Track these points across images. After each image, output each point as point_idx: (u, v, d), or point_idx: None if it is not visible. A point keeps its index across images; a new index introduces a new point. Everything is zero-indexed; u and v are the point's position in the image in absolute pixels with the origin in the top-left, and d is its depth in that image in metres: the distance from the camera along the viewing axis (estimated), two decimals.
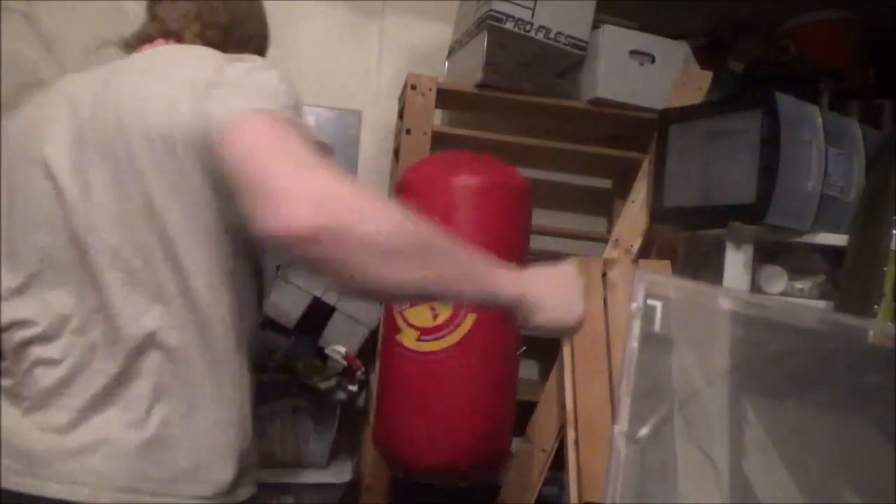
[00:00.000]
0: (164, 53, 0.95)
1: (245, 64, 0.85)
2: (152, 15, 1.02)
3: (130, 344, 0.81)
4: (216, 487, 0.84)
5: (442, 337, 1.47)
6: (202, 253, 0.83)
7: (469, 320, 1.46)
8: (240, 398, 0.88)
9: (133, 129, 0.82)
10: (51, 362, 0.82)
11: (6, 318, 0.85)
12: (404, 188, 1.59)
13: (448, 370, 1.48)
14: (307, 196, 0.69)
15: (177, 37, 0.99)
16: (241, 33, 1.04)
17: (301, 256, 0.70)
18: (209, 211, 0.83)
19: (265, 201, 0.69)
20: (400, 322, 1.53)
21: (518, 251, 1.54)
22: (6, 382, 0.85)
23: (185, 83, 0.82)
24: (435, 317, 1.47)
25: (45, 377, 0.82)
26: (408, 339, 1.51)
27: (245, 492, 0.88)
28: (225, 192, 0.79)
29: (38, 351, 0.83)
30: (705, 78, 1.95)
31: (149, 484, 0.80)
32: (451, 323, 1.46)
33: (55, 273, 0.85)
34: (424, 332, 1.48)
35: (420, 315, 1.48)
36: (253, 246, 0.89)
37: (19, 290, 0.86)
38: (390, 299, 1.43)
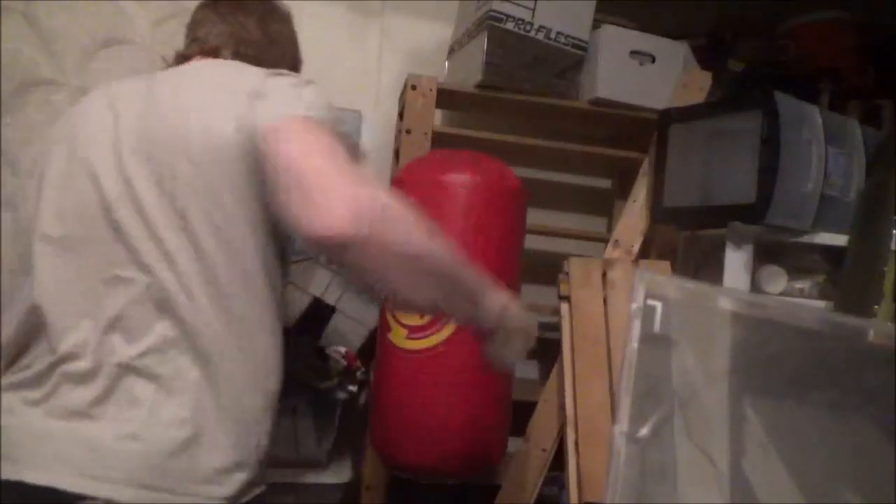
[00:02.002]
0: (206, 66, 0.98)
1: (288, 77, 0.90)
2: (192, 37, 1.06)
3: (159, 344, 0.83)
4: (238, 486, 0.85)
5: (429, 335, 1.47)
6: (243, 256, 0.86)
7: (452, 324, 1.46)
8: (272, 402, 0.91)
9: (178, 138, 0.84)
10: (78, 369, 0.83)
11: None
12: (399, 186, 1.59)
13: (435, 368, 1.48)
14: (348, 205, 0.73)
15: (214, 54, 1.02)
16: (275, 53, 1.07)
17: (334, 257, 0.77)
18: (248, 221, 0.86)
19: (308, 205, 0.74)
20: (391, 320, 1.53)
21: (510, 250, 1.54)
22: (33, 394, 0.84)
23: (230, 93, 0.86)
24: (422, 315, 1.47)
25: (75, 392, 0.83)
26: (397, 337, 1.51)
27: (257, 490, 0.89)
28: (266, 200, 0.83)
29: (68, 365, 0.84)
30: (706, 78, 1.95)
31: (179, 483, 0.81)
32: (438, 321, 1.46)
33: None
34: (412, 331, 1.48)
35: (409, 320, 1.48)
36: (286, 249, 0.93)
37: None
38: (398, 307, 1.47)
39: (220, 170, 0.84)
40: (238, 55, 1.02)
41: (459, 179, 1.49)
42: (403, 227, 0.78)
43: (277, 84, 0.88)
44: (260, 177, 0.83)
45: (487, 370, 1.50)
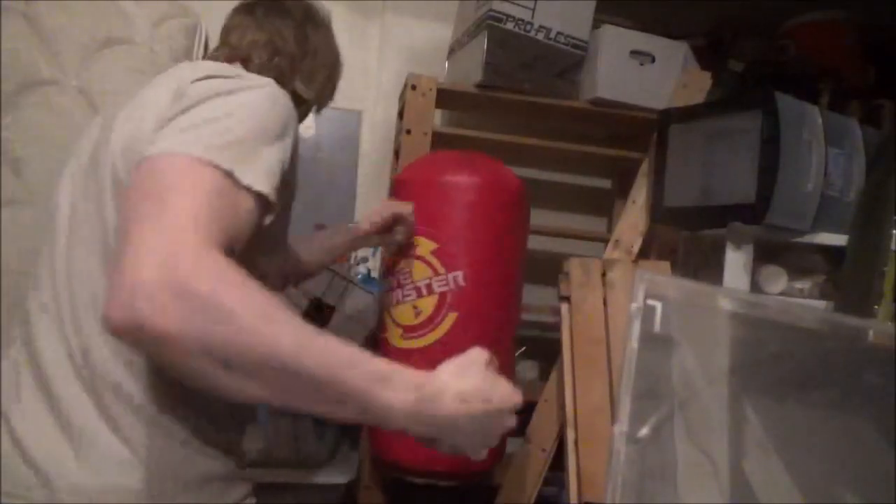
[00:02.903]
0: (185, 69, 0.87)
1: (211, 84, 0.75)
2: (223, 41, 1.02)
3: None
4: None
5: (423, 335, 1.47)
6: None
7: (449, 319, 1.46)
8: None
9: (106, 149, 0.79)
10: None
11: None
12: (399, 187, 1.59)
13: (429, 367, 1.47)
14: (126, 292, 0.57)
15: (244, 61, 0.97)
16: (311, 63, 1.03)
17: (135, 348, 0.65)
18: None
19: (112, 278, 0.59)
20: (387, 320, 1.53)
21: (512, 250, 1.54)
22: None
23: (149, 108, 0.76)
24: (417, 314, 1.47)
25: None
26: (393, 337, 1.52)
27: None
28: None
29: None
30: (706, 79, 1.95)
31: None
32: (432, 322, 1.46)
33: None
34: (407, 330, 1.48)
35: (404, 314, 1.49)
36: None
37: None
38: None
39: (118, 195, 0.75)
40: (272, 65, 0.98)
41: (459, 180, 1.49)
42: (213, 319, 0.57)
43: (193, 96, 0.73)
44: None
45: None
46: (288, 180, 0.79)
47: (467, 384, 0.69)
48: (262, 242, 0.80)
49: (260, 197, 0.69)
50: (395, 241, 1.46)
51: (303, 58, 1.02)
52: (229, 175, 0.66)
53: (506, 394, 0.71)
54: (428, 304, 1.46)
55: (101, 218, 0.77)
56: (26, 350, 0.81)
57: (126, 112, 0.79)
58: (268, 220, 0.75)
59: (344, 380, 0.61)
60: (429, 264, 1.47)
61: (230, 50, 0.99)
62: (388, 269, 1.56)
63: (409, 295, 1.48)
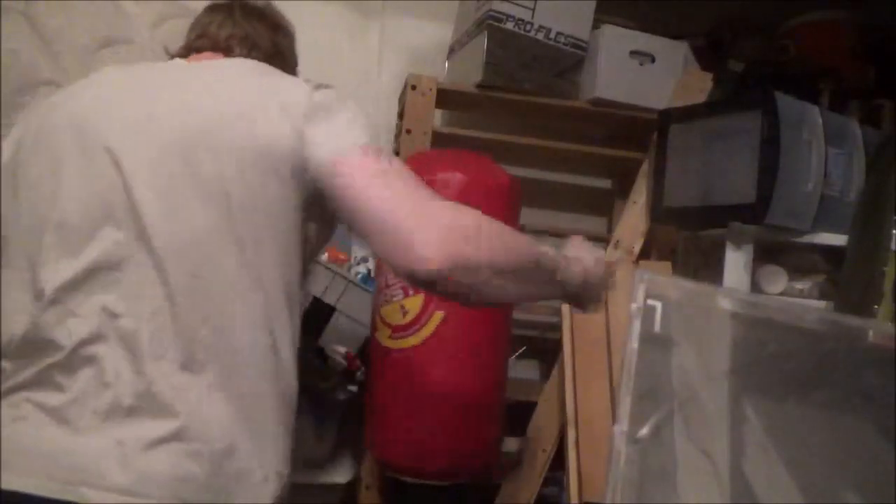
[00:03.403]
0: (236, 65, 0.97)
1: (329, 91, 0.91)
2: (201, 33, 1.05)
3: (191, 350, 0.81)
4: None
5: (410, 335, 1.47)
6: (277, 267, 0.86)
7: (436, 318, 1.46)
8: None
9: (224, 141, 0.83)
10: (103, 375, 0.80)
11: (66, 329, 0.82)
12: None
13: (416, 367, 1.48)
14: (437, 238, 0.78)
15: (226, 52, 1.02)
16: (281, 64, 1.06)
17: (439, 289, 0.80)
18: (287, 229, 0.87)
19: (400, 246, 0.79)
20: (378, 320, 1.53)
21: None
22: (55, 400, 0.81)
23: (280, 105, 0.86)
24: (404, 314, 1.48)
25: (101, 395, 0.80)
26: (383, 336, 1.52)
27: None
28: (308, 211, 0.87)
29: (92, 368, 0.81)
30: (706, 79, 1.95)
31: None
32: (418, 321, 1.46)
33: (112, 273, 0.82)
34: (395, 330, 1.49)
35: (392, 313, 1.49)
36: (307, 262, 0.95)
37: (74, 286, 0.82)
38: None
39: (262, 181, 0.84)
40: (248, 58, 1.01)
41: (442, 177, 1.49)
42: (495, 242, 0.83)
43: (327, 103, 0.89)
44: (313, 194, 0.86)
45: (474, 367, 1.51)
46: None
47: (594, 253, 1.04)
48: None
49: None
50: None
51: (274, 57, 1.06)
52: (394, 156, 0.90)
53: (601, 253, 1.08)
54: (414, 304, 1.46)
55: (264, 199, 0.85)
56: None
57: (216, 119, 0.85)
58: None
59: (553, 266, 0.93)
60: None
61: (209, 40, 1.03)
62: (378, 270, 1.56)
63: (396, 294, 1.48)
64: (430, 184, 1.49)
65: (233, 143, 0.83)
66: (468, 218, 0.83)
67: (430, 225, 0.80)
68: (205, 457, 0.79)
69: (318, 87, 0.91)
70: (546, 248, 0.93)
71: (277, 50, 1.09)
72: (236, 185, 0.83)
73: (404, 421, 1.49)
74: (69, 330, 0.81)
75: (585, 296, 1.02)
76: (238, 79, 0.92)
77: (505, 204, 1.55)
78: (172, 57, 1.03)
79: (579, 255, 0.99)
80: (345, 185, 0.84)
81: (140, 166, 0.83)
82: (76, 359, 0.80)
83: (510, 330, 1.60)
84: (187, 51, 1.03)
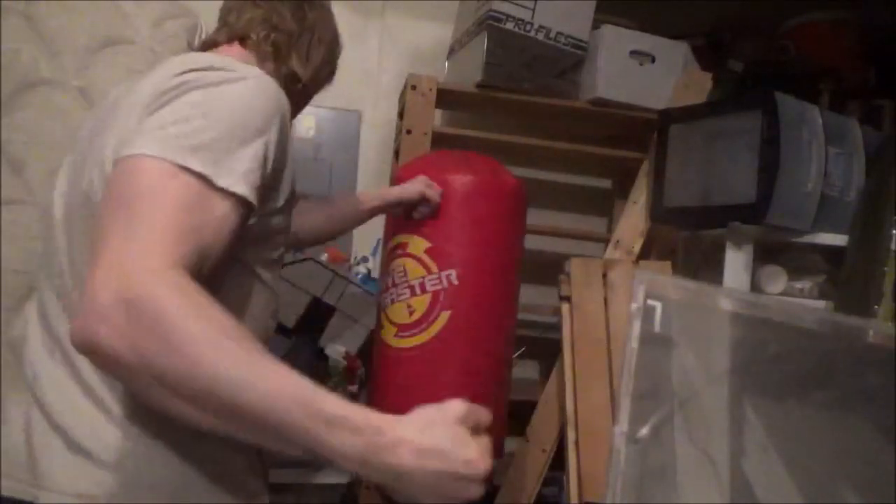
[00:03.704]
0: (180, 57, 0.86)
1: (191, 78, 0.72)
2: (222, 23, 1.02)
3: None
4: None
5: (417, 333, 1.47)
6: None
7: (442, 318, 1.46)
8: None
9: (98, 148, 0.77)
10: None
11: None
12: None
13: (423, 366, 1.48)
14: (99, 311, 0.57)
15: (241, 41, 0.97)
16: (308, 39, 1.02)
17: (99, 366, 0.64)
18: None
19: (80, 301, 0.61)
20: (383, 319, 1.53)
21: (506, 249, 1.54)
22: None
23: (135, 105, 0.73)
24: (411, 313, 1.47)
25: None
26: (388, 335, 1.51)
27: None
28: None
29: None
30: (706, 79, 1.95)
31: None
32: (425, 320, 1.46)
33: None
34: (401, 329, 1.48)
35: (398, 312, 1.49)
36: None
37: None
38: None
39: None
40: (270, 41, 0.97)
41: (452, 178, 1.49)
42: (182, 346, 0.56)
43: (167, 94, 0.71)
44: None
45: (479, 367, 1.51)
46: (279, 174, 0.76)
47: (428, 440, 0.61)
48: (272, 241, 0.81)
49: (238, 199, 0.68)
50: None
51: (300, 34, 1.01)
52: (203, 178, 0.65)
53: (471, 459, 0.62)
54: (421, 303, 1.46)
55: (93, 219, 0.74)
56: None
57: (120, 109, 0.77)
58: (276, 220, 0.77)
59: (284, 419, 0.57)
60: (422, 263, 1.47)
61: (228, 29, 1.00)
62: (384, 269, 1.56)
63: (402, 294, 1.48)
64: (440, 185, 1.52)
65: (100, 152, 0.75)
66: (150, 305, 0.57)
67: (95, 292, 0.57)
68: None
69: (186, 71, 0.73)
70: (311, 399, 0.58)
71: (302, 27, 1.01)
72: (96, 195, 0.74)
73: None
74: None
75: (397, 494, 0.62)
76: (148, 79, 0.78)
77: (511, 206, 1.55)
78: (204, 49, 1.00)
79: (401, 437, 0.60)
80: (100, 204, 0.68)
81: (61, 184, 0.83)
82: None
83: (515, 331, 1.60)
84: (207, 45, 1.00)
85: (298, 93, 1.01)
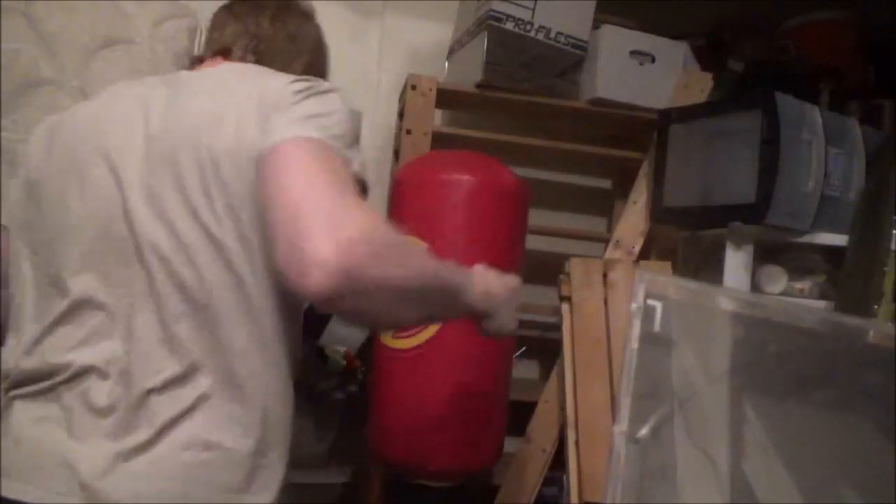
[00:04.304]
0: (224, 70, 0.95)
1: (308, 86, 0.84)
2: (207, 39, 1.05)
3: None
4: None
5: (415, 333, 1.48)
6: (264, 286, 0.83)
7: None
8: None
9: (202, 149, 0.81)
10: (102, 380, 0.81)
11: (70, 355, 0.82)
12: (398, 186, 1.59)
13: (421, 366, 1.48)
14: (335, 249, 0.68)
15: (225, 54, 1.00)
16: (292, 51, 1.04)
17: (325, 307, 0.73)
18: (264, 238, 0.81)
19: (297, 255, 0.69)
20: None
21: (506, 249, 1.54)
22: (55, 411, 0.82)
23: (255, 103, 0.82)
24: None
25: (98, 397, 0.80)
26: (387, 336, 1.52)
27: None
28: None
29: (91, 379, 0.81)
30: (706, 79, 1.95)
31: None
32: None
33: (106, 275, 0.83)
34: (398, 329, 1.49)
35: None
36: None
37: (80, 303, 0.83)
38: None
39: (243, 186, 0.80)
40: (252, 52, 1.00)
41: (451, 178, 1.49)
42: (395, 262, 0.74)
43: (295, 95, 0.83)
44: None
45: (478, 367, 1.51)
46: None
47: (494, 277, 0.95)
48: None
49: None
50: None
51: (280, 42, 1.03)
52: (346, 162, 0.80)
53: (512, 278, 0.98)
54: None
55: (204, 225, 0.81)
56: None
57: (199, 126, 0.82)
58: None
59: (457, 282, 0.87)
60: None
61: (212, 44, 1.02)
62: None
63: None
64: (440, 185, 1.52)
65: (210, 148, 0.81)
66: (380, 233, 0.74)
67: (334, 231, 0.68)
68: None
69: (300, 80, 0.86)
70: (451, 269, 0.87)
71: (286, 35, 1.04)
72: (219, 190, 0.80)
73: (407, 420, 1.50)
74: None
75: (493, 320, 0.95)
76: (215, 83, 0.89)
77: (514, 206, 1.55)
78: (192, 65, 1.02)
79: (486, 281, 0.94)
80: (266, 174, 0.76)
81: (133, 183, 0.84)
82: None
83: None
84: (194, 62, 1.02)
85: None
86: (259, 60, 1.00)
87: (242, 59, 0.99)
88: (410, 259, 0.78)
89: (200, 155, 0.81)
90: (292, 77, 0.86)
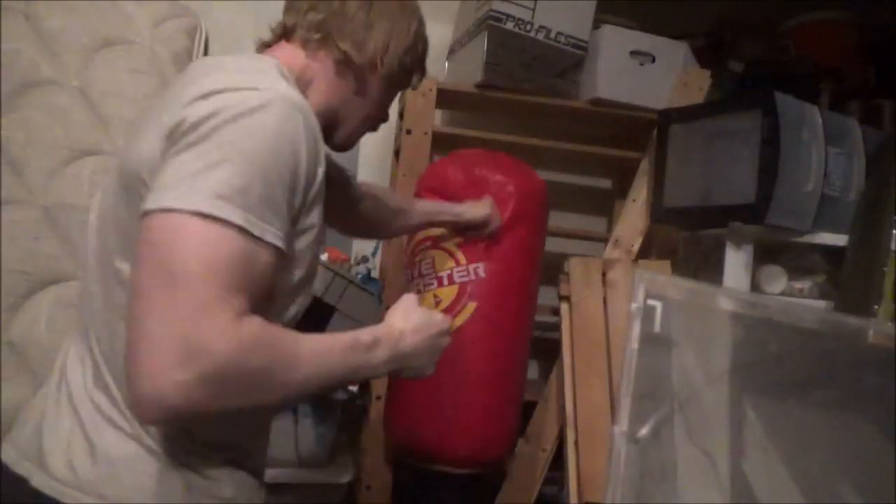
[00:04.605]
0: (196, 67, 0.82)
1: (206, 108, 0.67)
2: (287, 8, 0.94)
3: None
4: None
5: None
6: None
7: (469, 309, 1.48)
8: None
9: (124, 163, 0.77)
10: None
11: None
12: (432, 178, 1.59)
13: (445, 355, 1.48)
14: (168, 401, 0.60)
15: (287, 36, 0.90)
16: (364, 18, 0.90)
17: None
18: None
19: (131, 381, 0.62)
20: None
21: (533, 248, 1.57)
22: None
23: (161, 123, 0.71)
24: (437, 303, 1.50)
25: None
26: None
27: None
28: None
29: None
30: (704, 77, 1.95)
31: None
32: (451, 310, 1.48)
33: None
34: None
35: (424, 302, 1.50)
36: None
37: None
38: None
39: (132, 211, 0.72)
40: (315, 28, 0.88)
41: (497, 178, 1.51)
42: (261, 387, 0.66)
43: (191, 131, 0.67)
44: None
45: (502, 358, 1.51)
46: (314, 199, 0.76)
47: (415, 320, 0.86)
48: (302, 271, 0.79)
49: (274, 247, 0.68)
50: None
51: (349, 13, 0.90)
52: (242, 230, 0.64)
53: (438, 318, 0.90)
54: (448, 294, 1.49)
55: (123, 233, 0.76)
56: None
57: (150, 117, 0.77)
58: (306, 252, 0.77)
59: (353, 369, 0.76)
60: (451, 255, 1.49)
61: (278, 31, 0.93)
62: (410, 261, 1.58)
63: (430, 284, 1.51)
64: (478, 183, 1.51)
65: (127, 162, 0.75)
66: (244, 359, 0.63)
67: (180, 368, 0.59)
68: None
69: (207, 96, 0.69)
70: (356, 350, 0.76)
71: (368, 22, 0.90)
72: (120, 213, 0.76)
73: (428, 407, 1.50)
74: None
75: (411, 370, 0.87)
76: (172, 89, 0.79)
77: (539, 207, 1.57)
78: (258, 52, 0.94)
79: (407, 324, 0.85)
80: (135, 250, 0.66)
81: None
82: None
83: (532, 330, 1.61)
84: (260, 47, 0.93)
85: (372, 84, 0.93)
86: (324, 36, 0.88)
87: (305, 38, 0.88)
88: (290, 374, 0.67)
89: (122, 169, 0.77)
90: (203, 90, 0.69)
